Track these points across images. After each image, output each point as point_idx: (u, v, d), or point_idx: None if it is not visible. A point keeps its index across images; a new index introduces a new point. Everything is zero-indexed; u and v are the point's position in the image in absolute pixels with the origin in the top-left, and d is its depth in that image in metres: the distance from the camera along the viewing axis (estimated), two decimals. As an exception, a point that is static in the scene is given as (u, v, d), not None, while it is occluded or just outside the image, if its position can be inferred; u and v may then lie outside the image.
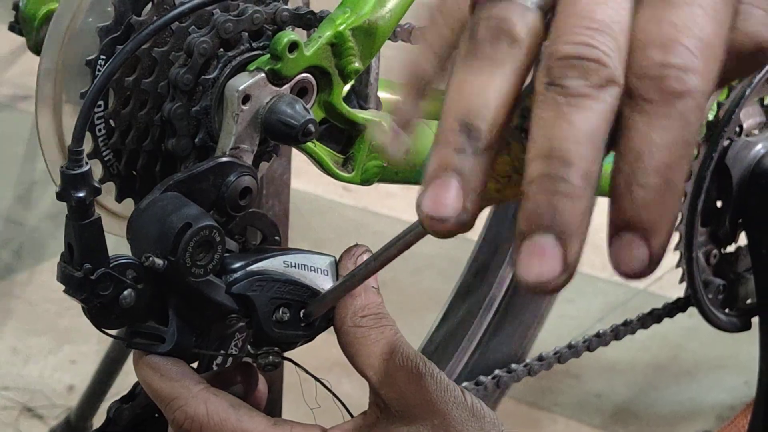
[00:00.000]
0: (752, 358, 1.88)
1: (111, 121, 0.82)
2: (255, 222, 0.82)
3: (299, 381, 0.81)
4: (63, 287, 0.74)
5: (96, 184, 0.73)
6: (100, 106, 0.80)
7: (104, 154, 0.82)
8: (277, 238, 0.83)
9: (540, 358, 1.23)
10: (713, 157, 1.21)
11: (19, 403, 1.74)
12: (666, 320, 1.32)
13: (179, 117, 0.81)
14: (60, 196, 0.73)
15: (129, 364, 1.10)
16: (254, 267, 0.78)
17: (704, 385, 1.83)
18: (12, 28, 0.93)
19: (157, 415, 0.84)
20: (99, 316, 0.75)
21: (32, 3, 0.91)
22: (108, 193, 0.83)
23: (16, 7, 0.93)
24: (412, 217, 2.12)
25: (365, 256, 0.79)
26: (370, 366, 0.75)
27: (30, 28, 0.92)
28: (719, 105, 1.23)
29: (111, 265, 0.74)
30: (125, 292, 0.74)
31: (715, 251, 1.29)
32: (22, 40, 0.94)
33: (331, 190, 2.25)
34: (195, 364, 0.81)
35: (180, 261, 0.74)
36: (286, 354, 0.81)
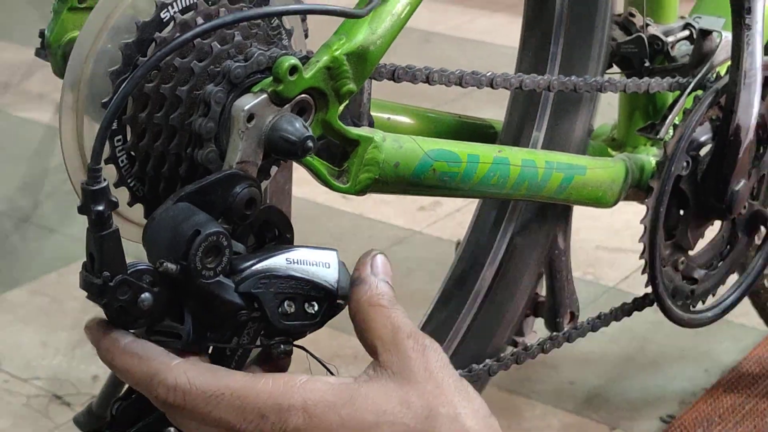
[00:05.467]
0: (711, 349, 1.89)
1: (132, 152, 0.82)
2: (271, 217, 0.81)
3: (309, 368, 0.80)
4: (86, 293, 0.74)
5: (113, 198, 0.73)
6: (120, 140, 0.80)
7: (129, 181, 0.82)
8: (288, 235, 0.82)
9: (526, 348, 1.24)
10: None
11: (49, 391, 1.73)
12: (634, 314, 1.31)
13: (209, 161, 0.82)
14: (81, 209, 0.72)
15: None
16: (259, 266, 0.77)
17: (668, 374, 1.83)
18: (38, 53, 0.93)
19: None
20: (120, 318, 0.74)
21: (56, 32, 0.91)
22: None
23: (42, 35, 0.92)
24: (404, 223, 2.12)
25: (378, 258, 0.79)
26: (378, 337, 0.74)
27: (54, 54, 0.92)
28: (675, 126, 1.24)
29: (128, 272, 0.73)
30: (143, 296, 0.73)
31: (682, 258, 1.29)
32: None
33: (331, 198, 2.25)
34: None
35: (191, 265, 0.73)
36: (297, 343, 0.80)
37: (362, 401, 0.70)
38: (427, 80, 1.03)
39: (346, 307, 0.79)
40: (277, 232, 0.82)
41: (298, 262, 0.78)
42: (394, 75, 1.00)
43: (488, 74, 1.08)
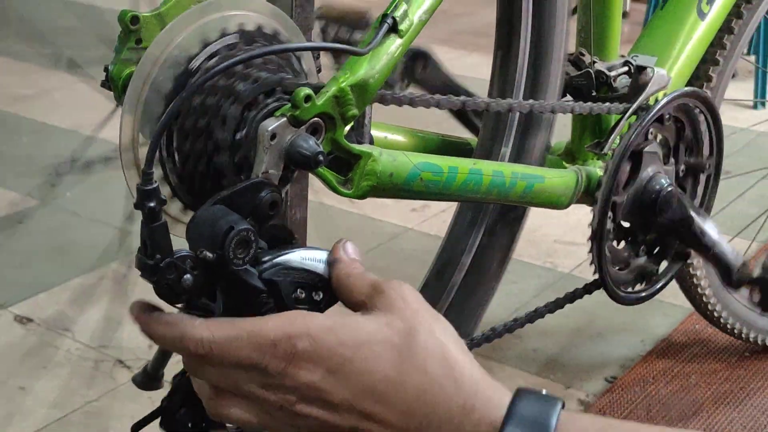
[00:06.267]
0: (646, 324, 1.88)
1: (175, 154, 0.82)
2: (276, 232, 0.81)
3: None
4: (140, 272, 0.74)
5: (163, 197, 0.73)
6: (164, 141, 0.80)
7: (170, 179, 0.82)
8: (293, 241, 0.82)
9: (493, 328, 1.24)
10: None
11: (113, 357, 1.73)
12: (585, 296, 1.31)
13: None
14: (136, 206, 0.73)
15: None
16: (279, 259, 0.77)
17: (611, 343, 1.83)
18: (103, 85, 0.93)
19: None
20: (166, 294, 0.74)
21: (118, 67, 0.91)
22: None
23: (106, 69, 0.92)
24: (399, 221, 2.09)
25: (348, 243, 0.79)
26: (360, 293, 0.74)
27: (116, 86, 0.92)
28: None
29: (175, 257, 0.73)
30: (185, 276, 0.73)
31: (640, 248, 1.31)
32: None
33: (340, 202, 2.24)
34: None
35: (225, 254, 0.73)
36: None
37: (355, 325, 0.71)
38: (438, 105, 1.02)
39: None
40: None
41: (309, 259, 0.78)
42: (412, 102, 0.99)
43: (484, 99, 1.07)
